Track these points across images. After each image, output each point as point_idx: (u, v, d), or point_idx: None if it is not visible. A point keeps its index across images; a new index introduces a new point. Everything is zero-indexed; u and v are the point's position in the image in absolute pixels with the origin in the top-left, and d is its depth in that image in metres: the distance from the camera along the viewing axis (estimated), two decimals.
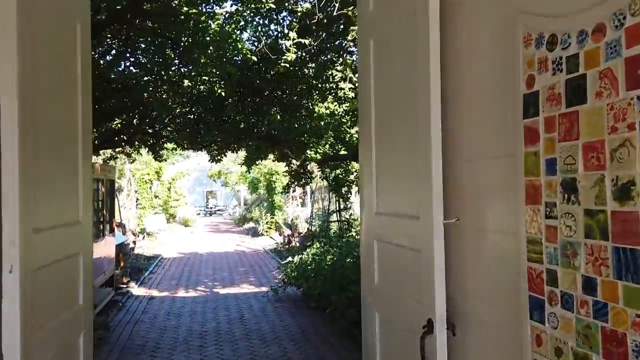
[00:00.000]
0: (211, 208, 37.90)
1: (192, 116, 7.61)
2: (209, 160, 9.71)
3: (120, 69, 5.77)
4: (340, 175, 9.45)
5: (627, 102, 1.26)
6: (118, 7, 4.42)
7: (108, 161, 9.85)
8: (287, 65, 5.24)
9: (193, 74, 6.34)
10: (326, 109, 7.84)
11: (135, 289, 9.66)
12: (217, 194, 39.00)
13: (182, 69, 6.59)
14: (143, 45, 5.62)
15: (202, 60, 5.66)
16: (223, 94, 6.49)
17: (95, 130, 7.11)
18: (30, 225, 1.91)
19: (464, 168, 2.16)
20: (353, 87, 5.89)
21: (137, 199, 21.00)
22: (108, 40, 5.56)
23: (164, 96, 6.56)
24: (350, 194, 10.22)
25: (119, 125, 7.48)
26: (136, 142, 8.37)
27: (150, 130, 8.12)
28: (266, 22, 6.28)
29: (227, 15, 5.85)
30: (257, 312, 7.81)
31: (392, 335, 2.60)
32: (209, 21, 5.52)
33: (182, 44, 5.34)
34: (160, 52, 5.66)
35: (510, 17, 1.77)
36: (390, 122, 2.60)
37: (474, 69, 2.07)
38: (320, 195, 15.35)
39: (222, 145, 8.58)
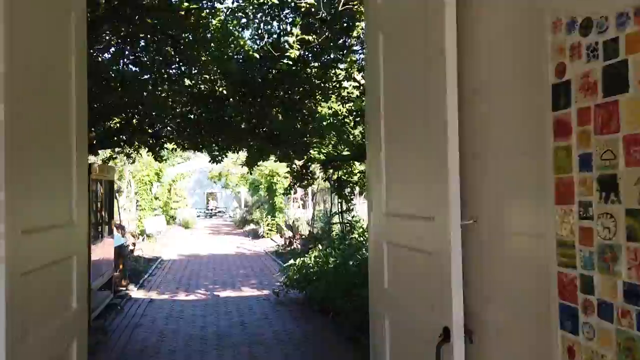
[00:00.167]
0: (211, 210, 37.77)
1: (192, 116, 7.48)
2: (210, 161, 9.59)
3: (119, 66, 5.63)
4: (343, 177, 9.31)
5: None
6: (116, 2, 4.30)
7: (107, 162, 9.72)
8: (290, 63, 5.11)
9: (194, 71, 6.21)
10: (329, 109, 7.72)
11: (135, 292, 9.53)
12: (217, 195, 38.88)
13: (182, 68, 6.46)
14: (143, 42, 5.49)
15: (202, 58, 5.53)
16: (225, 92, 6.36)
17: (93, 129, 6.98)
18: (19, 227, 1.77)
19: (482, 165, 2.02)
20: (358, 85, 5.76)
21: (137, 201, 20.87)
22: (106, 37, 5.44)
23: (162, 95, 6.43)
24: (354, 195, 10.08)
25: (118, 125, 7.35)
26: (136, 142, 8.24)
27: (150, 130, 7.99)
28: (268, 19, 6.16)
29: (228, 12, 5.73)
30: (259, 316, 7.67)
31: (403, 342, 2.46)
32: (210, 17, 5.40)
33: (182, 40, 5.21)
34: (159, 49, 5.53)
35: (536, 1, 1.64)
36: (401, 119, 2.47)
37: (494, 59, 1.94)
38: (322, 197, 15.22)
39: (223, 146, 8.45)
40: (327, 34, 5.55)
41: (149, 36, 5.24)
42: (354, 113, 7.19)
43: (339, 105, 7.45)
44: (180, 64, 6.17)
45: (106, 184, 7.83)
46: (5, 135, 1.67)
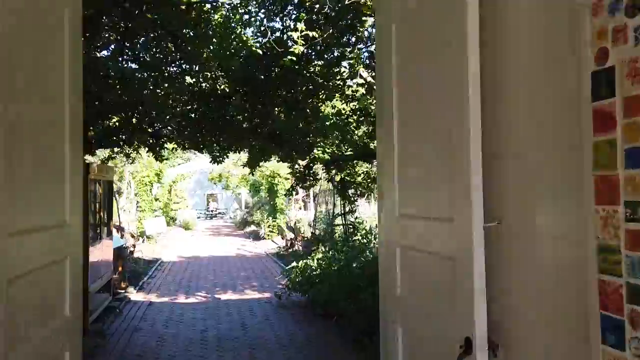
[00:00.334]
0: (212, 211, 37.64)
1: (193, 114, 7.34)
2: (211, 162, 9.44)
3: (118, 63, 5.49)
4: (346, 177, 9.17)
5: None
6: None
7: (106, 162, 9.58)
8: (294, 59, 4.97)
9: (196, 68, 6.07)
10: (332, 108, 7.58)
11: (134, 295, 9.37)
12: (218, 197, 38.74)
13: (183, 65, 6.32)
14: (142, 39, 5.35)
15: (204, 55, 5.39)
16: (227, 89, 6.22)
17: (91, 128, 6.84)
18: (5, 229, 1.63)
19: (508, 163, 1.87)
20: (364, 82, 5.61)
21: (137, 202, 20.73)
22: (106, 34, 5.30)
23: (163, 93, 6.29)
24: (357, 196, 9.94)
25: (117, 124, 7.21)
26: (135, 142, 8.09)
27: (150, 130, 7.85)
28: (271, 15, 6.02)
29: (231, 7, 5.58)
30: (261, 319, 7.52)
31: (419, 353, 2.30)
32: (212, 12, 5.26)
33: (183, 36, 5.07)
34: (160, 45, 5.39)
35: None
36: (416, 114, 2.32)
37: (522, 46, 1.79)
38: (324, 198, 15.06)
39: (224, 146, 8.31)
40: (331, 29, 5.41)
41: (149, 32, 5.09)
42: (358, 112, 7.04)
43: (343, 104, 7.30)
44: (181, 61, 6.03)
45: (105, 184, 7.68)
46: None
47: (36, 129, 1.94)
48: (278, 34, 6.18)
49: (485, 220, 1.87)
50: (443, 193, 2.05)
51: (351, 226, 9.94)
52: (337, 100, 7.46)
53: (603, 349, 1.37)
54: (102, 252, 7.41)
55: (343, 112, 7.55)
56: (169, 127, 8.15)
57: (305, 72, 6.58)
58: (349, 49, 6.14)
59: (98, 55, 5.61)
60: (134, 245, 13.75)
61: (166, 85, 6.26)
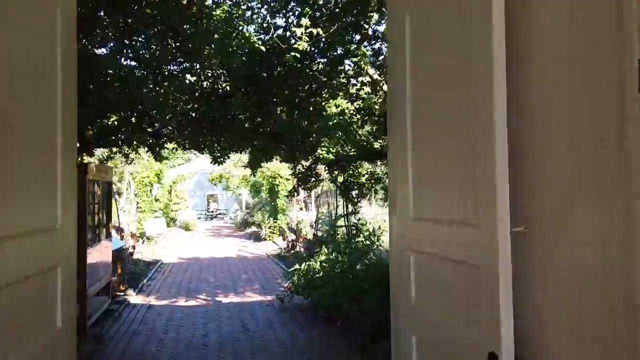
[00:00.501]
0: (212, 212, 37.53)
1: (193, 114, 7.19)
2: (211, 162, 9.29)
3: (117, 60, 5.34)
4: (350, 178, 9.01)
5: None
6: None
7: (105, 162, 9.43)
8: (298, 56, 4.82)
9: (197, 66, 5.92)
10: (336, 107, 7.43)
11: (133, 297, 9.22)
12: (218, 197, 38.63)
13: (184, 64, 6.17)
14: (142, 35, 5.20)
15: (205, 52, 5.24)
16: (229, 88, 6.07)
17: (89, 127, 6.70)
18: None
19: (537, 162, 1.72)
20: (370, 79, 5.46)
21: (137, 203, 20.58)
22: (105, 30, 5.15)
23: (162, 91, 6.14)
24: (361, 197, 9.79)
25: (116, 123, 7.05)
26: (135, 142, 7.94)
27: (149, 130, 7.70)
28: (274, 12, 5.87)
29: (233, 2, 5.43)
30: (262, 322, 7.37)
31: None
32: (214, 7, 5.11)
33: (184, 32, 4.92)
34: (160, 42, 5.24)
35: None
36: (433, 111, 2.17)
37: (554, 35, 1.64)
38: (328, 198, 14.91)
39: (225, 146, 8.16)
40: (338, 24, 5.26)
41: (148, 28, 4.94)
42: (362, 111, 6.89)
43: (347, 103, 7.15)
44: (182, 58, 5.88)
45: (104, 184, 7.54)
46: None
47: (24, 126, 1.80)
48: (280, 31, 6.04)
49: (512, 225, 1.72)
50: (463, 195, 1.90)
51: (354, 228, 9.79)
52: (341, 98, 7.31)
53: None
54: (100, 254, 7.26)
55: (347, 111, 7.40)
56: (169, 127, 8.00)
57: (308, 70, 6.44)
58: (353, 46, 5.99)
59: (96, 52, 5.46)
60: (133, 247, 13.61)
61: (166, 83, 6.11)
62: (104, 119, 6.86)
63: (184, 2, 4.60)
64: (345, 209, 10.39)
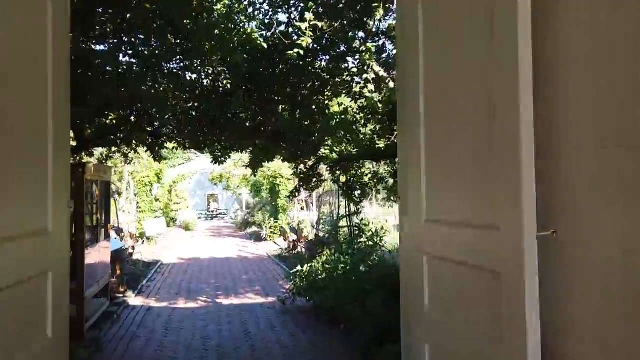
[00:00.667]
0: (213, 212, 37.43)
1: (194, 112, 7.05)
2: (212, 162, 9.16)
3: (115, 56, 5.21)
4: (352, 178, 8.87)
5: None
6: None
7: (104, 161, 9.29)
8: (301, 52, 4.70)
9: (197, 63, 5.78)
10: (339, 105, 7.30)
11: (132, 299, 9.09)
12: (218, 197, 38.53)
13: (185, 62, 6.04)
14: (141, 31, 5.06)
15: (205, 48, 5.11)
16: (229, 86, 5.94)
17: (87, 126, 6.58)
18: None
19: (564, 161, 1.59)
20: (374, 76, 5.33)
21: (137, 203, 20.45)
22: (104, 26, 5.02)
23: (161, 89, 6.00)
24: (364, 197, 9.66)
25: (114, 122, 6.92)
26: (134, 141, 7.80)
27: (148, 129, 7.57)
28: (276, 7, 5.74)
29: None
30: (264, 325, 7.23)
31: None
32: (214, 1, 4.97)
33: (184, 27, 4.78)
34: (159, 38, 5.10)
35: None
36: (449, 106, 2.04)
37: (582, 22, 1.51)
38: (329, 198, 14.78)
39: (226, 145, 8.03)
40: (341, 20, 5.12)
41: (148, 23, 4.80)
42: (366, 110, 6.76)
43: (351, 102, 7.02)
44: (182, 55, 5.75)
45: (102, 184, 7.41)
46: None
47: (11, 126, 1.66)
48: (283, 27, 5.91)
49: (537, 229, 1.60)
50: (485, 195, 1.77)
51: (356, 228, 9.66)
52: (344, 96, 7.17)
53: None
54: (99, 255, 7.13)
55: (350, 109, 7.27)
56: (168, 126, 7.86)
57: (310, 68, 6.31)
58: (357, 44, 5.86)
59: (93, 47, 5.32)
60: (133, 247, 13.48)
61: (165, 81, 5.98)
62: (102, 117, 6.72)
63: None
64: (347, 209, 10.26)
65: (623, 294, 1.36)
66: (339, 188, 10.07)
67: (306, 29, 4.49)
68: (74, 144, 7.10)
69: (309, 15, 4.50)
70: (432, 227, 2.15)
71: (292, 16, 5.72)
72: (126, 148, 8.31)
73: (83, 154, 7.85)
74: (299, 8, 5.31)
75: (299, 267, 8.33)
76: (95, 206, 7.16)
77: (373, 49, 5.18)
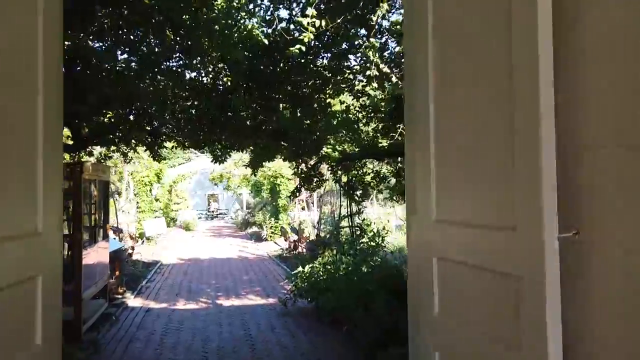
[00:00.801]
0: (213, 212, 37.34)
1: (193, 111, 6.95)
2: (212, 162, 9.06)
3: (113, 53, 5.11)
4: (354, 178, 8.76)
5: None
6: None
7: (103, 161, 9.19)
8: (303, 49, 4.60)
9: (197, 61, 5.68)
10: (341, 104, 7.20)
11: (131, 300, 8.99)
12: (218, 197, 38.44)
13: (184, 59, 5.94)
14: (140, 28, 4.97)
15: (205, 45, 5.00)
16: (230, 84, 5.85)
17: (85, 125, 6.48)
18: None
19: (589, 159, 1.49)
20: (379, 73, 5.23)
21: (137, 203, 20.35)
22: (100, 20, 4.92)
23: (161, 87, 5.90)
24: (366, 197, 9.55)
25: (112, 120, 6.81)
26: (133, 140, 7.70)
27: (148, 128, 7.46)
28: (277, 4, 5.64)
29: None
30: (265, 327, 7.13)
31: None
32: None
33: (183, 23, 4.68)
34: (158, 35, 5.00)
35: None
36: (462, 101, 1.93)
37: (605, 18, 1.41)
38: (330, 198, 14.68)
39: (227, 145, 7.92)
40: (343, 17, 5.02)
41: (147, 19, 4.70)
42: (368, 108, 6.66)
43: (353, 100, 6.92)
44: (181, 54, 5.65)
45: (101, 184, 7.31)
46: None
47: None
48: (284, 24, 5.81)
49: (560, 230, 1.49)
50: (501, 194, 1.67)
51: (358, 228, 9.55)
52: (347, 94, 7.07)
53: None
54: (97, 255, 7.03)
55: (352, 108, 7.16)
56: (168, 125, 7.76)
57: (312, 65, 6.21)
58: (359, 41, 5.76)
59: (90, 44, 5.22)
60: (132, 248, 13.38)
61: (165, 78, 5.87)
62: (100, 116, 6.62)
63: None
64: (349, 209, 10.16)
65: None
66: (340, 188, 9.97)
67: (308, 24, 4.40)
68: (71, 142, 7.01)
69: (311, 11, 4.40)
70: (443, 228, 2.05)
71: (294, 12, 5.63)
72: (125, 147, 8.20)
73: (82, 153, 7.75)
74: (301, 4, 5.22)
75: (300, 268, 8.23)
76: (93, 206, 7.06)
77: (377, 45, 5.08)
